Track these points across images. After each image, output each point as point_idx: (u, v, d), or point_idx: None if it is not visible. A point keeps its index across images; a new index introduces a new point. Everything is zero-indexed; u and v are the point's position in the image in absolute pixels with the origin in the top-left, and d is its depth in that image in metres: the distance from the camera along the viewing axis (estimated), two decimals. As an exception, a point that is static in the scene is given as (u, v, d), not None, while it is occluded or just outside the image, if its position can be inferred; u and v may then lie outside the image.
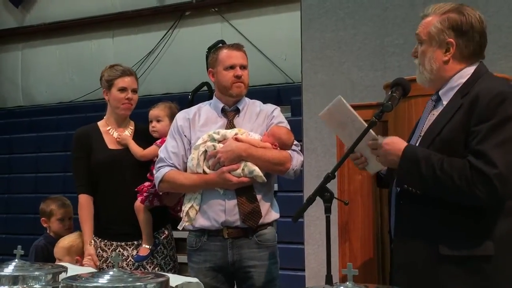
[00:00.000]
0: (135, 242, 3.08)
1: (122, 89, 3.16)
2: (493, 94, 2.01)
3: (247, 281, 2.81)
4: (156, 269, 3.07)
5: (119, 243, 3.08)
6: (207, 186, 2.79)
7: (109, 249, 3.08)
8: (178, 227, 2.88)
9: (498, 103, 2.00)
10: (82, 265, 3.00)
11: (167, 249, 3.15)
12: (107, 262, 3.05)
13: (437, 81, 2.19)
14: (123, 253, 3.06)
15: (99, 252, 3.08)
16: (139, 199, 3.05)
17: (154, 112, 3.22)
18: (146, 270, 3.00)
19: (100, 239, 3.10)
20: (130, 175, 3.10)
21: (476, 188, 1.96)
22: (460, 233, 2.04)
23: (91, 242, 3.07)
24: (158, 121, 3.19)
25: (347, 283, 1.60)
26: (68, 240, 3.22)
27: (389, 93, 2.26)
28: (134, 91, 3.20)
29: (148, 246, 3.04)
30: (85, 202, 3.10)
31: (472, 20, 2.14)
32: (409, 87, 2.27)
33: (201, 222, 2.79)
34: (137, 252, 3.06)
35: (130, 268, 3.03)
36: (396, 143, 2.15)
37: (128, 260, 3.06)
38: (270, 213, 2.84)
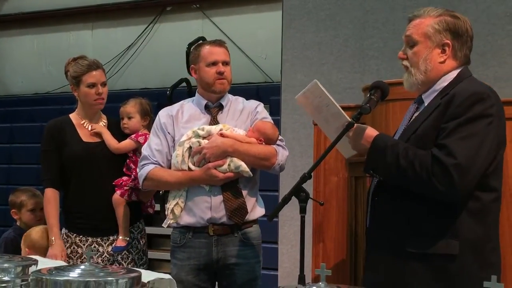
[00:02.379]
0: (111, 238, 3.05)
1: (92, 85, 3.07)
2: (468, 94, 2.05)
3: (229, 278, 2.80)
4: (131, 264, 3.05)
5: (94, 238, 3.05)
6: (193, 183, 2.76)
7: (84, 244, 3.04)
8: (163, 225, 2.85)
9: (471, 102, 2.03)
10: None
11: (140, 244, 3.13)
12: (82, 258, 3.01)
13: (427, 83, 2.20)
14: (98, 249, 3.03)
15: (74, 248, 3.04)
16: (119, 192, 3.03)
17: (125, 109, 3.19)
18: (121, 265, 2.97)
19: (75, 235, 3.05)
20: (105, 169, 3.06)
21: (434, 178, 1.99)
22: (427, 232, 2.07)
23: (53, 241, 2.98)
24: (129, 118, 3.17)
25: (320, 283, 1.60)
26: (40, 235, 3.16)
27: (368, 95, 2.27)
28: (104, 84, 3.11)
29: (126, 238, 3.03)
30: (51, 196, 3.05)
31: (467, 25, 2.19)
32: (387, 90, 2.28)
33: (187, 219, 2.77)
34: (115, 244, 3.03)
35: (105, 264, 3.00)
36: (368, 130, 2.20)
37: (103, 256, 3.03)
38: (255, 209, 2.83)
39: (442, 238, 2.05)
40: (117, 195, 3.03)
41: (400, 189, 2.12)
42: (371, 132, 2.19)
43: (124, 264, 3.03)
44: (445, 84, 2.17)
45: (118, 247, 3.02)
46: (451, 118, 2.04)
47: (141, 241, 3.14)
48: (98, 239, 3.05)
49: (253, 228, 2.83)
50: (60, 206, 3.25)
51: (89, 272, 1.59)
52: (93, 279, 1.54)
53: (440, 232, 2.06)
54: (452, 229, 2.05)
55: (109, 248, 3.04)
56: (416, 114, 2.22)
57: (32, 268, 1.77)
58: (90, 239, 3.04)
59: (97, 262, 2.98)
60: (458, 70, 2.19)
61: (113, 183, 3.05)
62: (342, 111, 2.21)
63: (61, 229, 3.10)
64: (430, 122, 2.09)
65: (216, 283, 2.91)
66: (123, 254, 3.05)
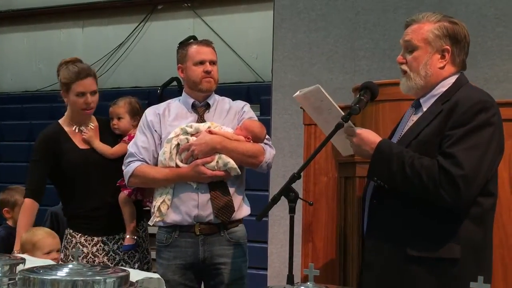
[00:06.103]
0: (117, 236, 3.04)
1: (81, 94, 3.01)
2: (473, 102, 2.06)
3: (216, 278, 2.80)
4: (137, 263, 3.05)
5: (100, 238, 3.02)
6: (180, 180, 2.75)
7: (89, 244, 3.01)
8: (149, 223, 2.84)
9: (476, 110, 2.04)
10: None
11: (145, 243, 3.13)
12: (88, 257, 2.99)
13: (425, 88, 2.20)
14: (104, 248, 3.02)
15: (78, 247, 3.01)
16: (126, 192, 3.01)
17: (114, 109, 3.16)
18: (127, 265, 2.97)
19: (80, 234, 3.02)
20: (105, 172, 3.03)
21: (441, 188, 2.00)
22: (429, 235, 2.07)
23: (15, 252, 2.94)
24: (119, 118, 3.15)
25: (308, 283, 1.61)
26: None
27: (358, 96, 2.27)
28: (94, 92, 3.03)
29: (134, 237, 3.02)
30: (29, 206, 2.99)
31: (465, 31, 2.20)
32: (377, 91, 2.29)
33: (173, 217, 2.76)
34: (123, 243, 3.02)
35: (111, 263, 2.99)
36: (371, 135, 2.18)
37: (109, 255, 3.01)
38: (242, 208, 2.83)
39: (444, 242, 2.06)
40: (124, 194, 3.01)
41: (400, 193, 2.11)
42: (374, 137, 2.17)
43: (130, 263, 3.03)
44: (444, 89, 2.18)
45: (127, 246, 3.00)
46: (456, 125, 2.04)
47: (145, 240, 3.13)
48: (104, 238, 3.02)
49: (238, 227, 2.84)
50: (62, 209, 3.25)
51: (76, 271, 1.58)
52: (81, 278, 1.53)
53: (442, 236, 2.06)
54: (454, 233, 2.06)
55: (115, 247, 3.03)
56: (413, 117, 2.22)
57: (20, 267, 1.76)
58: (95, 239, 3.02)
59: (103, 261, 2.98)
60: (456, 76, 2.20)
61: (117, 184, 3.03)
62: None
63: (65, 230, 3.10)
64: (433, 128, 2.09)
65: (202, 282, 2.90)
66: (129, 253, 3.04)
